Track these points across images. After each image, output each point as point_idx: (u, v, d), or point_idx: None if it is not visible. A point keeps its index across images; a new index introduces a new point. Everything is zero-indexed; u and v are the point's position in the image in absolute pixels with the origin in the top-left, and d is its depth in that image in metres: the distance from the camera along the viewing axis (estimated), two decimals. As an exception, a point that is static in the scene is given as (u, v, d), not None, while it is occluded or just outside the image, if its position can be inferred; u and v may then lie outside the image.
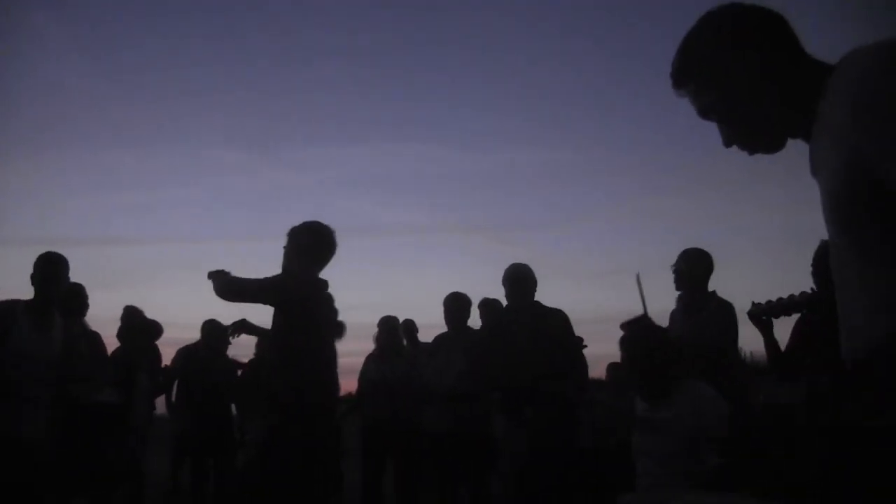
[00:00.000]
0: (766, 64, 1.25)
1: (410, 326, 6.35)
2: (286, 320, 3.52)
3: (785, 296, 3.82)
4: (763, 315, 3.83)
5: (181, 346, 6.53)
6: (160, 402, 6.28)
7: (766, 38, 1.26)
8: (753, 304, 3.92)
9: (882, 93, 1.01)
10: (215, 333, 6.25)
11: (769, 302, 3.82)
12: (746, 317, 3.89)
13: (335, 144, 27.55)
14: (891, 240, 1.07)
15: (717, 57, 1.30)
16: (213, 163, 26.76)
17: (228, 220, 28.80)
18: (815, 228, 3.61)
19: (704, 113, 1.34)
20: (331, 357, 3.75)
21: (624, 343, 3.10)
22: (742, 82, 1.27)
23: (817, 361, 3.58)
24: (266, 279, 3.53)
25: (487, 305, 5.36)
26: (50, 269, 3.63)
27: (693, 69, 1.33)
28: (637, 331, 3.17)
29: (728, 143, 1.33)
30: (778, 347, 3.89)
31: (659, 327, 3.33)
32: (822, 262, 3.64)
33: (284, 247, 3.70)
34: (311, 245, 3.66)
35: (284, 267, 3.68)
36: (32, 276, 3.63)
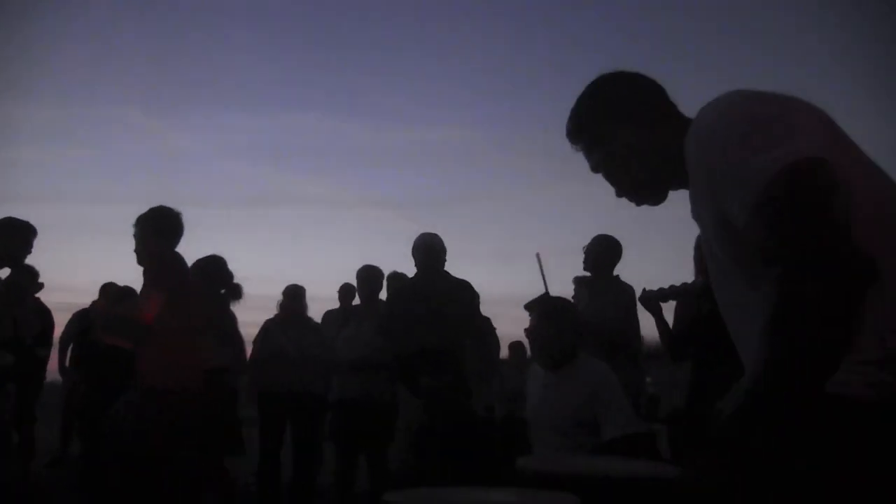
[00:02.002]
0: (644, 126, 1.39)
1: (348, 290, 6.25)
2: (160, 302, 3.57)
3: (675, 283, 4.07)
4: (654, 300, 4.06)
5: (76, 310, 6.34)
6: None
7: (645, 103, 1.41)
8: (644, 290, 4.15)
9: (712, 152, 1.15)
10: (113, 297, 6.09)
11: (661, 289, 4.06)
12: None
13: (244, 111, 26.76)
14: (747, 283, 1.19)
15: (600, 124, 1.44)
16: (114, 123, 25.51)
17: (128, 183, 27.53)
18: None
19: (594, 169, 1.49)
20: (197, 333, 3.82)
21: (535, 306, 3.22)
22: (622, 147, 1.41)
23: (700, 349, 3.82)
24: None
25: (396, 279, 5.41)
26: None
27: (581, 133, 1.47)
28: (550, 298, 3.32)
29: (618, 195, 1.47)
30: (670, 331, 4.12)
31: (569, 301, 3.49)
32: (703, 251, 3.87)
33: (135, 234, 3.76)
34: (164, 229, 3.76)
35: (139, 251, 3.74)
36: None
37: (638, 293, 4.26)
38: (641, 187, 1.43)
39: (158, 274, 3.62)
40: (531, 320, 3.21)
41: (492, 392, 5.97)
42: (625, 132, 1.40)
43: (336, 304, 5.96)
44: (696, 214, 1.30)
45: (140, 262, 3.73)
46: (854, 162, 1.14)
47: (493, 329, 5.66)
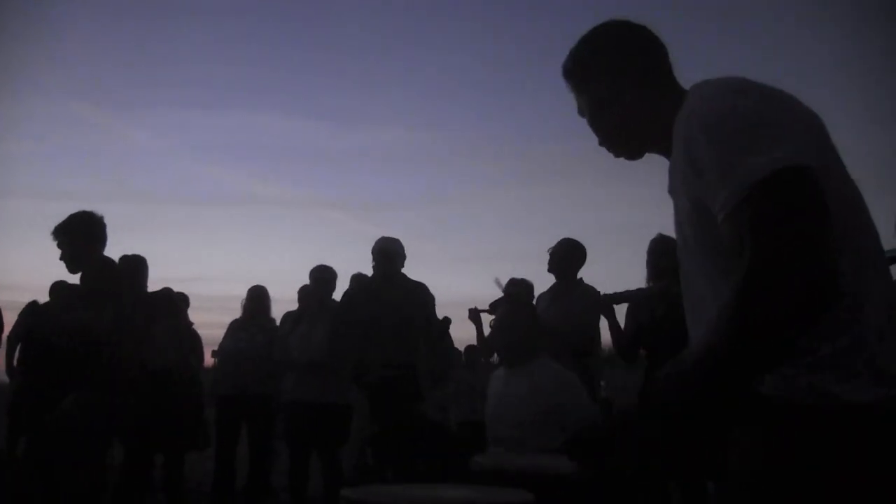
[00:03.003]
0: (634, 84, 1.38)
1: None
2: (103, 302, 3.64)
3: (630, 287, 4.18)
4: (608, 303, 4.17)
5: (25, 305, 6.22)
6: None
7: (641, 61, 1.39)
8: (601, 294, 4.25)
9: (702, 140, 1.15)
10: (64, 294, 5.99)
11: (616, 293, 4.17)
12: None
13: (200, 110, 26.43)
14: (714, 268, 1.21)
15: (587, 67, 1.43)
16: (68, 117, 24.87)
17: (81, 179, 26.90)
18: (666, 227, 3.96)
19: (579, 111, 1.49)
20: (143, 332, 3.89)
21: (498, 305, 3.31)
22: (611, 95, 1.40)
23: (653, 352, 3.92)
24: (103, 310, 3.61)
25: (359, 280, 5.42)
26: None
27: (574, 71, 1.47)
28: (514, 298, 3.42)
29: (599, 144, 1.47)
30: (622, 333, 4.22)
31: (530, 301, 3.58)
32: (656, 255, 3.99)
33: (63, 243, 3.74)
34: (97, 234, 3.79)
35: (72, 258, 3.72)
36: None
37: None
38: (617, 140, 1.45)
39: (108, 282, 3.68)
40: (496, 316, 3.30)
41: (447, 394, 6.01)
42: (607, 81, 1.41)
43: (296, 305, 5.94)
44: (672, 190, 1.31)
45: (75, 269, 3.75)
46: (834, 174, 1.17)
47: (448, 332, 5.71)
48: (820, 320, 1.03)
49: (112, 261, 3.81)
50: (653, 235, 4.05)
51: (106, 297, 3.63)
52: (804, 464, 1.10)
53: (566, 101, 1.52)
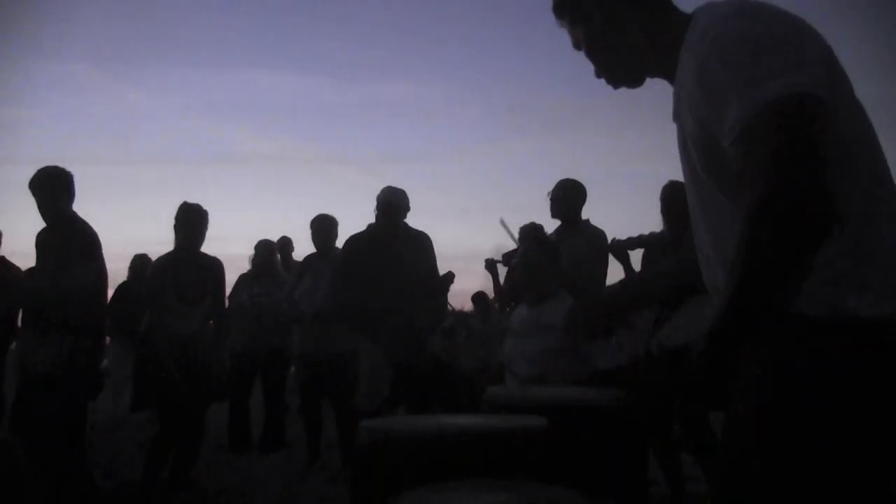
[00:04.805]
0: (630, 13, 1.36)
1: (286, 243, 6.28)
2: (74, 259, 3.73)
3: (643, 233, 4.17)
4: (623, 248, 4.16)
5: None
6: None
7: None
8: (613, 239, 4.23)
9: (716, 63, 1.15)
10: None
11: (630, 238, 4.16)
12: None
13: (203, 68, 25.99)
14: (721, 192, 1.23)
15: (585, 1, 1.39)
16: (68, 80, 24.53)
17: (84, 142, 26.66)
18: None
19: (575, 46, 1.46)
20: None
21: (511, 257, 3.29)
22: (607, 27, 1.37)
23: (663, 290, 3.90)
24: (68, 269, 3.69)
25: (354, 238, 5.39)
26: None
27: (565, 7, 1.44)
28: (537, 231, 3.39)
29: (597, 75, 1.44)
30: (636, 275, 4.22)
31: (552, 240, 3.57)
32: (669, 201, 3.96)
33: (40, 195, 3.82)
34: (70, 190, 3.86)
35: (50, 215, 3.80)
36: None
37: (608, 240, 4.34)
38: (616, 71, 1.43)
39: (80, 239, 3.77)
40: (520, 250, 3.27)
41: (457, 343, 6.04)
42: (602, 13, 1.38)
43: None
44: (678, 114, 1.30)
45: (47, 222, 3.83)
46: (844, 104, 1.17)
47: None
48: (824, 242, 1.05)
49: (86, 223, 3.85)
50: (659, 182, 4.00)
51: (79, 256, 3.72)
52: (816, 377, 1.10)
53: (572, 50, 1.47)
